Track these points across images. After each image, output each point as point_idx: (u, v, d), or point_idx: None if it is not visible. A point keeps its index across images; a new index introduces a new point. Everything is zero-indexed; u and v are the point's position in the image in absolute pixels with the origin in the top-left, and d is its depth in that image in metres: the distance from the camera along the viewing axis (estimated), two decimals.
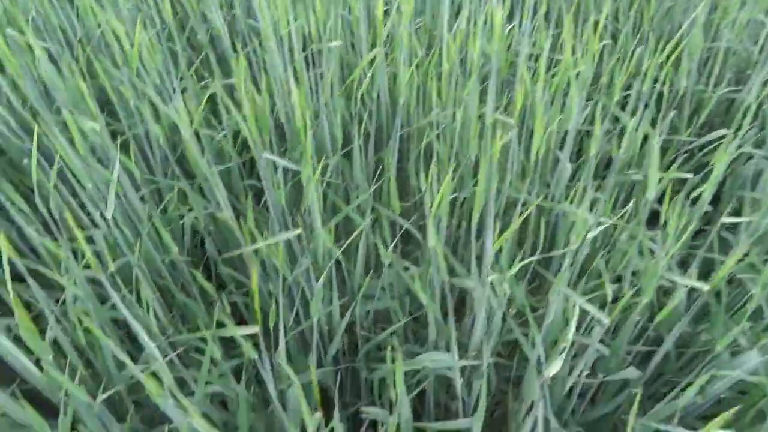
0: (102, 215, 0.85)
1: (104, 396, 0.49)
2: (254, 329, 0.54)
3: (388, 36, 1.10)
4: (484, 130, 0.93)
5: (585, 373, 0.79)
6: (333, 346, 0.76)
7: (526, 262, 0.66)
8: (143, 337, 0.52)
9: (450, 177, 0.59)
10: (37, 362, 0.76)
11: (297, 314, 0.83)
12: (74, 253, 0.91)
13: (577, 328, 0.92)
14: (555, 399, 0.78)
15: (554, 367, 0.53)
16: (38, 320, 0.85)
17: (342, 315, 0.83)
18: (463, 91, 1.02)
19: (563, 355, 0.54)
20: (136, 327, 0.52)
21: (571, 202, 1.00)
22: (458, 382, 0.71)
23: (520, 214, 0.91)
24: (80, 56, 0.99)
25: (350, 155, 1.00)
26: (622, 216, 1.04)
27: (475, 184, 1.00)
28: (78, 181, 0.95)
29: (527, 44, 1.12)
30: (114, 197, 0.61)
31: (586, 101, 1.25)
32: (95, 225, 0.90)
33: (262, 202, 1.03)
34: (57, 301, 0.87)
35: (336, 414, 0.57)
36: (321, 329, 0.80)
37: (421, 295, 0.68)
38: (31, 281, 0.53)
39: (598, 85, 1.24)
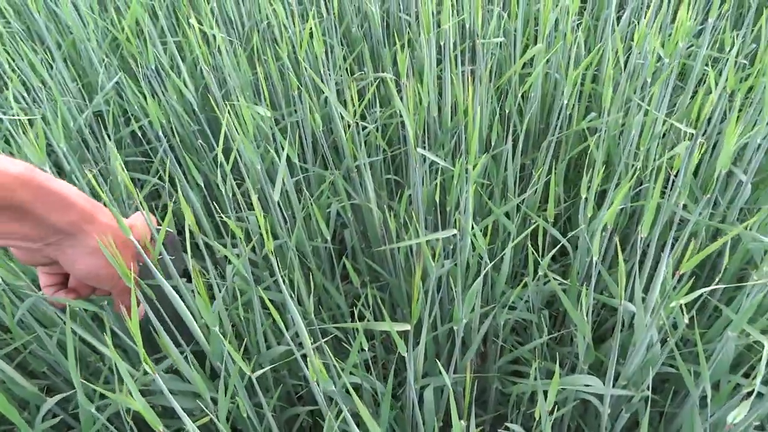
0: (262, 197, 0.90)
1: (259, 372, 0.50)
2: (406, 326, 0.53)
3: (546, 33, 1.05)
4: (652, 138, 0.85)
5: (755, 423, 0.69)
6: (469, 354, 0.74)
7: (702, 292, 0.59)
8: (298, 320, 0.53)
9: (627, 187, 0.54)
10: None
11: (433, 315, 0.82)
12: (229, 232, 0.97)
13: (747, 373, 0.81)
14: None
15: (740, 412, 0.47)
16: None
17: (481, 322, 0.80)
18: (630, 93, 0.94)
19: (748, 401, 0.47)
20: (293, 310, 0.53)
21: (749, 228, 0.88)
22: (605, 411, 0.65)
23: (693, 235, 0.82)
24: (250, 46, 1.06)
25: (497, 157, 0.96)
26: None
27: (635, 197, 0.92)
28: (244, 165, 1.02)
29: (707, 44, 1.00)
30: (281, 181, 0.63)
31: None
32: (250, 207, 0.95)
33: (401, 196, 1.03)
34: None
35: (472, 423, 0.55)
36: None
37: (573, 314, 0.64)
38: (207, 255, 0.57)
39: None
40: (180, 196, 0.50)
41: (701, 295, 0.82)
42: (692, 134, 0.79)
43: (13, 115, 0.85)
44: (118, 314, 0.57)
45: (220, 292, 0.72)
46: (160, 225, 0.53)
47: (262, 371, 0.53)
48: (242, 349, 0.60)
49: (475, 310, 0.71)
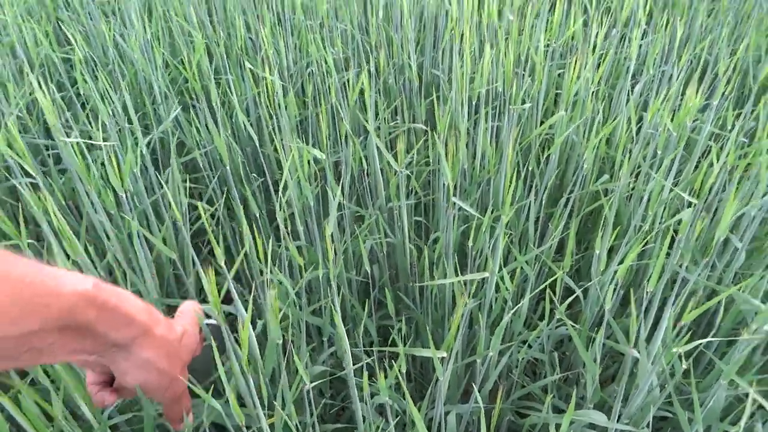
0: (306, 230, 0.99)
1: (313, 384, 0.58)
2: (443, 354, 0.62)
3: (567, 100, 1.16)
4: (659, 204, 0.95)
5: None
6: (487, 386, 0.82)
7: (698, 343, 0.67)
8: (344, 341, 0.62)
9: (639, 247, 0.63)
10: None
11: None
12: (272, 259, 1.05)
13: (735, 422, 0.88)
14: None
15: None
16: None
17: (498, 359, 0.88)
18: (640, 160, 1.04)
19: None
20: (342, 331, 0.62)
21: (741, 290, 0.97)
22: None
23: (692, 293, 0.91)
24: (295, 88, 1.17)
25: (519, 209, 1.06)
26: None
27: (641, 255, 1.01)
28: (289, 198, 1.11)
29: (711, 121, 1.12)
30: (335, 216, 0.73)
31: None
32: (297, 237, 1.05)
33: (428, 237, 1.12)
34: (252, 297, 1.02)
35: None
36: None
37: (585, 356, 0.72)
38: (277, 274, 0.66)
39: None
40: (245, 231, 0.60)
41: (698, 346, 0.91)
42: (695, 204, 0.89)
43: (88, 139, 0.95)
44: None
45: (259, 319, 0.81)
46: (210, 316, 0.55)
47: (315, 382, 0.61)
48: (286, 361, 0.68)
49: (496, 346, 0.80)
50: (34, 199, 0.74)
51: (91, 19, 1.57)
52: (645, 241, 0.77)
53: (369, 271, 0.81)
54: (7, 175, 1.16)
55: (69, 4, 1.55)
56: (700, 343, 0.93)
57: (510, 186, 0.68)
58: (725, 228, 0.79)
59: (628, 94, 1.20)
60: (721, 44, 1.35)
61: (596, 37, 1.54)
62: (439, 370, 0.59)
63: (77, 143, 1.04)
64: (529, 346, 0.86)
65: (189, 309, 0.49)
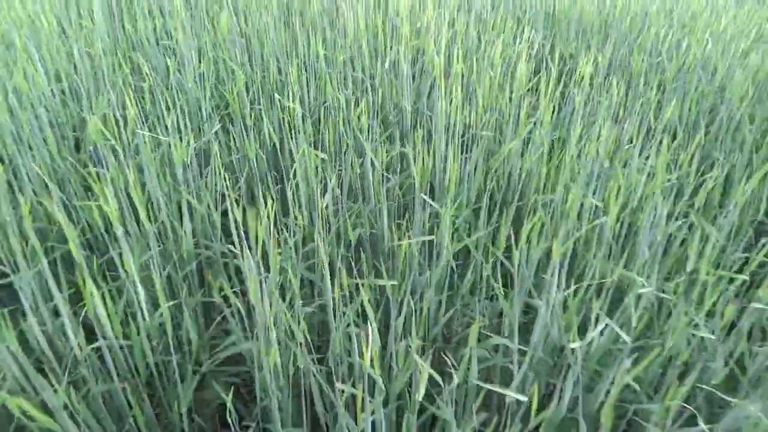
0: (309, 215, 1.27)
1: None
2: (394, 281, 0.89)
3: (527, 133, 1.47)
4: (582, 211, 1.23)
5: None
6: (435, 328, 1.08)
7: (576, 287, 0.94)
8: (327, 285, 0.90)
9: (559, 239, 0.91)
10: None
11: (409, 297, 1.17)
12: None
13: None
14: None
15: None
16: None
17: (446, 311, 1.15)
18: (571, 181, 1.33)
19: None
20: (328, 282, 0.90)
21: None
22: None
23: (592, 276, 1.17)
24: (315, 117, 1.50)
25: (478, 212, 1.35)
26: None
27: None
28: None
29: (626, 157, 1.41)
30: (331, 195, 1.03)
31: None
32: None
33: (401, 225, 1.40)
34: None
35: None
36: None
37: (505, 306, 0.99)
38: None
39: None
40: (259, 200, 0.89)
41: (578, 289, 1.16)
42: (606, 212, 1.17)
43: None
44: None
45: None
46: None
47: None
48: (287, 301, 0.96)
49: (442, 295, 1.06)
50: (116, 172, 1.05)
51: (155, 56, 1.94)
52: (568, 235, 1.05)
53: (352, 242, 1.09)
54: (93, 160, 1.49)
55: (142, 44, 1.93)
56: (578, 286, 1.18)
57: (452, 185, 0.97)
58: (613, 223, 1.07)
59: (571, 128, 1.50)
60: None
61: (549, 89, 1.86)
62: (390, 290, 0.87)
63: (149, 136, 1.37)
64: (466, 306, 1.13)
65: None
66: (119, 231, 0.92)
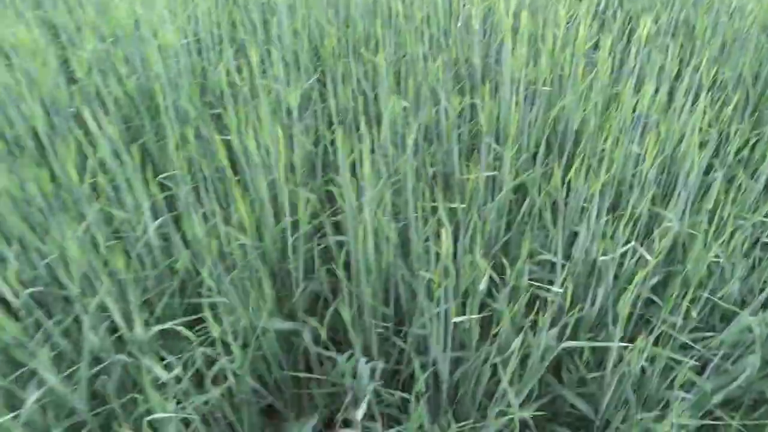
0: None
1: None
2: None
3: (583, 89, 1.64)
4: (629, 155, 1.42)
5: None
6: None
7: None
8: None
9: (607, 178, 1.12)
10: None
11: None
12: None
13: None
14: None
15: None
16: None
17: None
18: (620, 133, 1.52)
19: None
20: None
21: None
22: None
23: (633, 210, 1.38)
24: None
25: (536, 156, 1.56)
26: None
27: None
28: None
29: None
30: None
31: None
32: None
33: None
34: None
35: None
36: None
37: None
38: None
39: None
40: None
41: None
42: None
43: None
44: None
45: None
46: None
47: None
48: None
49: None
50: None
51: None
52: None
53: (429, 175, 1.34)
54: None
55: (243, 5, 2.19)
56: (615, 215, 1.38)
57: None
58: (650, 162, 1.26)
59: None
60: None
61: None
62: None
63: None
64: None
65: None
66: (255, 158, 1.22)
